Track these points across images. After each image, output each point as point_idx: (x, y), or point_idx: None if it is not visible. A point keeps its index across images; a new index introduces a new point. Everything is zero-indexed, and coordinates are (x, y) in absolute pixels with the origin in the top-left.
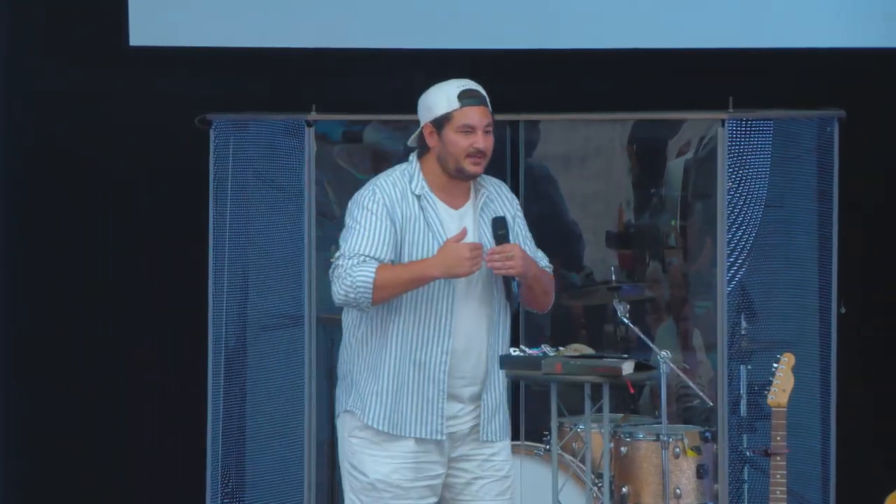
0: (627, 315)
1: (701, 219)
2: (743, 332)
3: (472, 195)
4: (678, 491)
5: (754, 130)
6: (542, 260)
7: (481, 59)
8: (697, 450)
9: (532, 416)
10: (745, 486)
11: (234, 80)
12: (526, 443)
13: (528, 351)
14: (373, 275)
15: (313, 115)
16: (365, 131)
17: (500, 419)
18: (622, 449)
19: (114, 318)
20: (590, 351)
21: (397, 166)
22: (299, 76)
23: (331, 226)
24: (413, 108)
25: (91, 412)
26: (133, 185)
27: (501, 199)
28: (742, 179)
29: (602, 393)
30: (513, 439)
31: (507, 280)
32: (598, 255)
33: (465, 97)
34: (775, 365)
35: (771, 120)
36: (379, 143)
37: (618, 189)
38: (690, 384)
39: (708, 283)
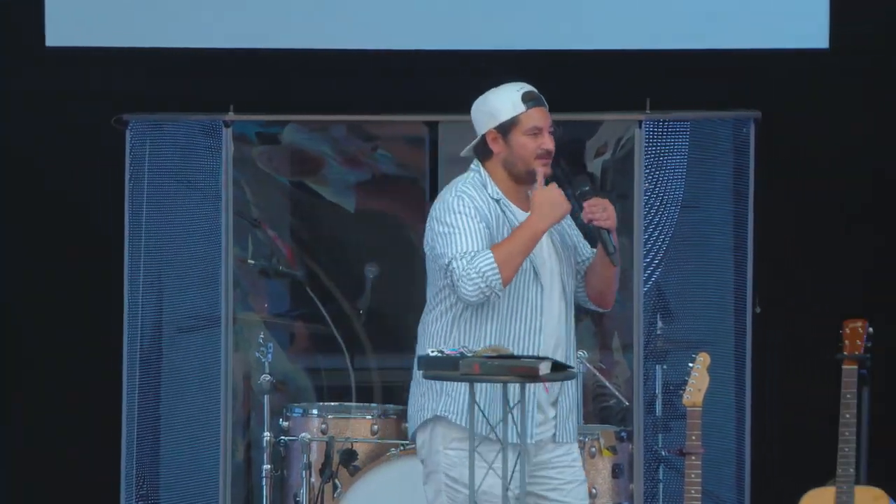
0: None
1: (618, 219)
2: (659, 332)
3: (531, 199)
4: (594, 490)
5: (671, 132)
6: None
7: (398, 60)
8: (613, 449)
9: None
10: (661, 486)
11: (151, 81)
12: None
13: (446, 351)
14: (491, 256)
15: (231, 116)
16: (284, 132)
17: (574, 421)
18: None
19: (28, 319)
20: (507, 351)
21: (461, 177)
22: (217, 76)
23: (247, 226)
24: (329, 108)
25: (3, 415)
26: (49, 185)
27: None
28: (659, 180)
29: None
30: None
31: (603, 238)
32: None
33: (529, 99)
34: (690, 364)
35: (687, 121)
36: (298, 143)
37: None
38: (606, 384)
39: (626, 283)
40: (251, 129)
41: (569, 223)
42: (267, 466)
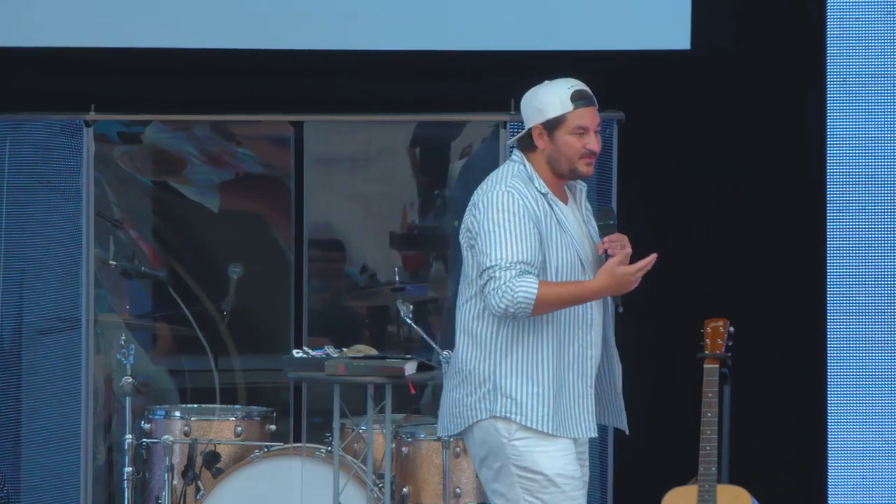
0: (411, 315)
1: None
2: None
3: (568, 193)
4: (458, 490)
5: None
6: None
7: (263, 59)
8: None
9: (315, 417)
10: None
11: (10, 79)
12: (307, 445)
13: (311, 352)
14: (535, 292)
15: (92, 115)
16: (146, 131)
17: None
18: (403, 449)
19: None
20: (373, 352)
21: (505, 167)
22: (78, 75)
23: (109, 227)
24: (191, 108)
25: None
26: None
27: (583, 192)
28: None
29: (385, 393)
30: (295, 441)
31: None
32: (382, 256)
33: (578, 98)
34: None
35: None
36: (160, 143)
37: (402, 190)
38: None
39: None
40: (113, 129)
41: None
42: (129, 469)
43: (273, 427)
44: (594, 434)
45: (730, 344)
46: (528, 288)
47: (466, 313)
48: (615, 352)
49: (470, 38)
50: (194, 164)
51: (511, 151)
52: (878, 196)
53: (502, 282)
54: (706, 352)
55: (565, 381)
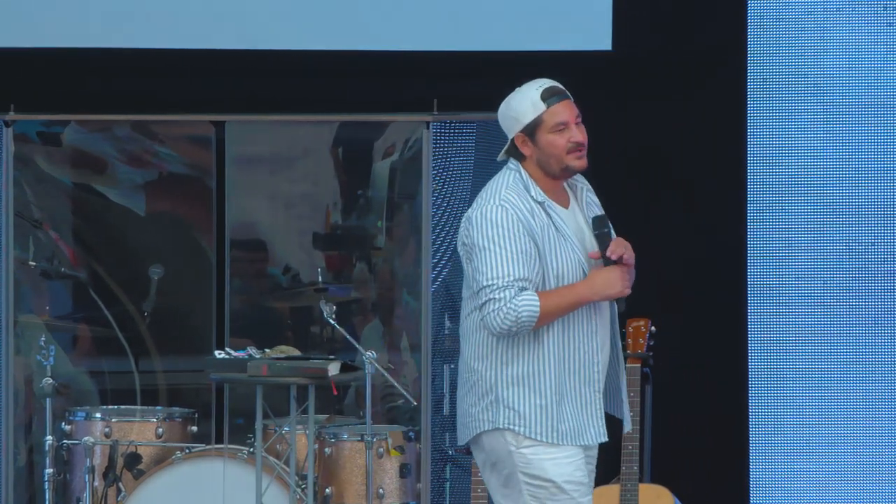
0: (334, 316)
1: (407, 220)
2: (447, 332)
3: (569, 192)
4: (381, 491)
5: (459, 132)
6: None
7: (185, 59)
8: (401, 449)
9: (237, 418)
10: (447, 485)
11: None
12: (230, 446)
13: (234, 353)
14: (538, 308)
15: (11, 115)
16: (65, 132)
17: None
18: (326, 450)
19: None
20: (296, 353)
21: (501, 177)
22: None
23: (29, 227)
24: (112, 107)
25: None
26: None
27: (590, 191)
28: (447, 181)
29: (308, 394)
30: (217, 442)
31: None
32: (305, 256)
33: (549, 96)
34: None
35: (475, 122)
36: (79, 143)
37: (324, 191)
38: (395, 384)
39: (414, 283)
40: (32, 129)
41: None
42: (49, 470)
43: (195, 428)
44: (604, 439)
45: (651, 343)
46: (530, 305)
47: (471, 323)
48: (621, 355)
49: (393, 39)
50: (115, 165)
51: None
52: (797, 196)
53: (503, 303)
54: (628, 351)
55: (570, 388)
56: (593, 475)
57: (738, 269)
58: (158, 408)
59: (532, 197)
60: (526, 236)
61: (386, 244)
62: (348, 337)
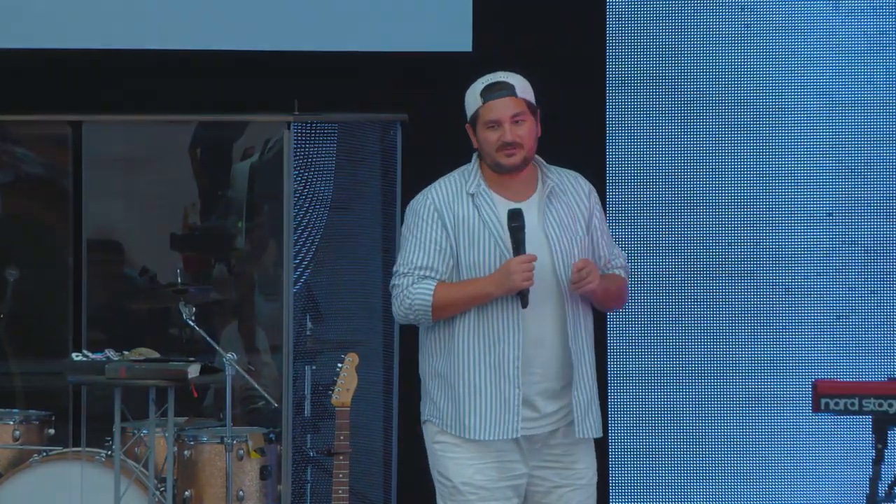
0: (193, 318)
1: (268, 220)
2: (308, 333)
3: (539, 186)
4: (241, 493)
5: (320, 133)
6: (617, 259)
7: (42, 59)
8: (262, 451)
9: (95, 421)
10: (308, 486)
11: None
12: (88, 449)
13: (91, 356)
14: (430, 297)
15: None
16: None
17: (594, 415)
18: (186, 452)
19: None
20: (155, 355)
21: (463, 167)
22: None
23: None
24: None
25: None
26: None
27: (575, 191)
28: (308, 181)
29: (167, 397)
30: (74, 445)
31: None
32: (163, 257)
33: (488, 92)
34: (340, 365)
35: (336, 123)
36: None
37: (183, 191)
38: (255, 386)
39: (274, 284)
40: None
41: (599, 223)
42: None
43: (52, 431)
44: (517, 435)
45: None
46: (423, 294)
47: None
48: (583, 351)
49: (254, 39)
50: None
51: None
52: (651, 204)
53: (401, 289)
54: None
55: (487, 383)
56: (576, 473)
57: None
58: (15, 410)
59: (466, 189)
60: (438, 226)
61: (246, 245)
62: (208, 339)
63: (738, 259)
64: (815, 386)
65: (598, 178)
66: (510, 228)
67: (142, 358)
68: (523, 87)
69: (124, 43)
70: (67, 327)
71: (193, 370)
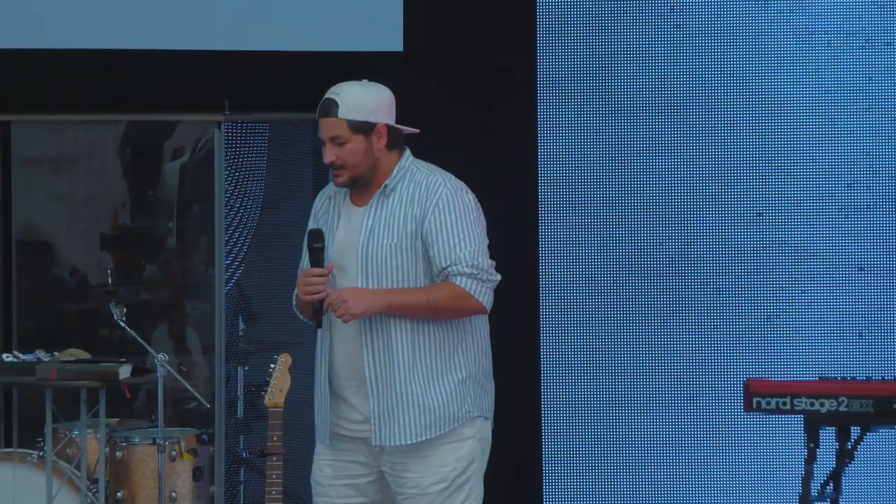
0: (124, 318)
1: (199, 221)
2: (241, 334)
3: (379, 193)
4: (174, 494)
5: (250, 132)
6: (458, 265)
7: None
8: (194, 452)
9: (26, 422)
10: (241, 487)
11: None
12: (19, 450)
13: (22, 356)
14: (293, 301)
15: None
16: None
17: (402, 424)
18: (118, 453)
19: None
20: (86, 356)
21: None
22: None
23: None
24: None
25: None
26: None
27: (410, 197)
28: (239, 181)
29: (99, 398)
30: (6, 446)
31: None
32: (93, 257)
33: (319, 108)
34: (272, 365)
35: (266, 122)
36: None
37: (112, 191)
38: (188, 386)
39: (206, 284)
40: None
41: (433, 229)
42: None
43: None
44: (325, 441)
45: None
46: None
47: None
48: (385, 362)
49: (184, 38)
50: None
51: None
52: (587, 201)
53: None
54: None
55: (317, 386)
56: (419, 483)
57: (531, 278)
58: None
59: (328, 192)
60: (312, 222)
61: (176, 245)
62: (139, 339)
63: (671, 257)
64: (746, 385)
65: (530, 180)
66: (311, 249)
67: (73, 359)
68: (352, 104)
69: (53, 42)
70: None
71: (125, 371)
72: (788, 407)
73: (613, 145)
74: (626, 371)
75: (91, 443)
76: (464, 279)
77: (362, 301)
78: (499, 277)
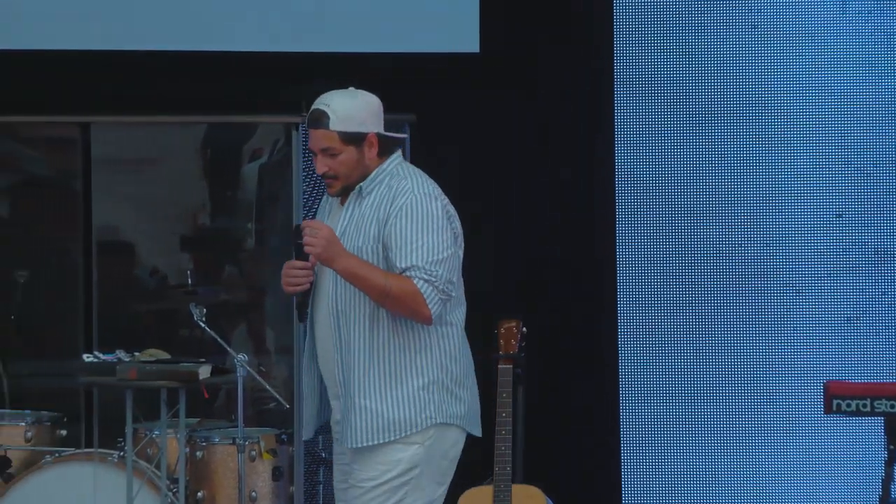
0: (204, 319)
1: (276, 221)
2: None
3: (358, 196)
4: (253, 494)
5: None
6: (415, 271)
7: (50, 59)
8: (274, 452)
9: (107, 422)
10: (321, 487)
11: None
12: (100, 450)
13: (103, 357)
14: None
15: None
16: None
17: (350, 428)
18: (197, 453)
19: None
20: (166, 356)
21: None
22: None
23: None
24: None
25: None
26: None
27: (379, 201)
28: (317, 182)
29: (179, 398)
30: (86, 446)
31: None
32: (173, 258)
33: (307, 119)
34: None
35: None
36: None
37: (192, 192)
38: (267, 387)
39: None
40: None
41: (395, 231)
42: None
43: (64, 432)
44: (308, 436)
45: (523, 344)
46: None
47: None
48: (354, 362)
49: (263, 40)
50: None
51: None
52: (664, 205)
53: None
54: (500, 352)
55: (306, 386)
56: (368, 486)
57: (609, 275)
58: (27, 411)
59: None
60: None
61: (255, 246)
62: (218, 340)
63: (745, 267)
64: (826, 387)
65: (605, 187)
66: (294, 244)
67: (152, 359)
68: (343, 115)
69: (133, 44)
70: (78, 328)
71: (204, 371)
72: (868, 409)
73: (693, 152)
74: (704, 386)
75: (171, 443)
76: (421, 282)
77: (330, 249)
78: (453, 293)
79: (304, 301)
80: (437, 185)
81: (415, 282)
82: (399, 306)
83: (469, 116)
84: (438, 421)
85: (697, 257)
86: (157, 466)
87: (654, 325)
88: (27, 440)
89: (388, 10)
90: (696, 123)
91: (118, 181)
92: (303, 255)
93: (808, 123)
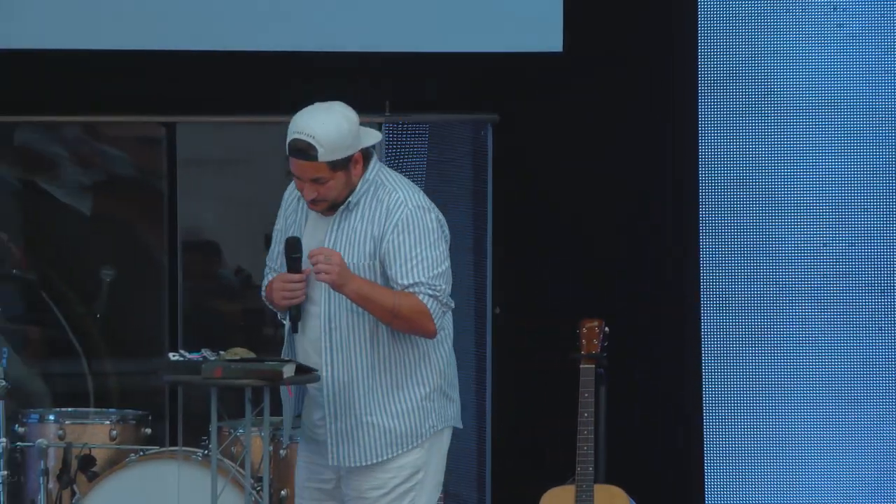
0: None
1: None
2: None
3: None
4: None
5: (411, 134)
6: (418, 287)
7: (135, 60)
8: None
9: (191, 420)
10: None
11: None
12: (184, 448)
13: (188, 355)
14: (263, 291)
15: None
16: (15, 132)
17: (357, 446)
18: (281, 452)
19: None
20: (250, 355)
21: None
22: None
23: None
24: (62, 109)
25: None
26: None
27: (371, 215)
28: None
29: (263, 396)
30: (171, 444)
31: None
32: (257, 257)
33: (290, 148)
34: None
35: (427, 123)
36: (30, 144)
37: (275, 192)
38: None
39: None
40: None
41: (392, 246)
42: (3, 472)
43: (149, 430)
44: (288, 440)
45: (605, 344)
46: (263, 286)
47: None
48: (356, 380)
49: (345, 40)
50: (65, 166)
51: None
52: (749, 201)
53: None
54: (582, 352)
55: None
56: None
57: (692, 274)
58: (112, 410)
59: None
60: (282, 223)
61: None
62: None
63: (833, 264)
64: None
65: (690, 180)
66: (289, 259)
67: (238, 358)
68: (331, 146)
69: (218, 44)
70: (163, 327)
71: (288, 370)
72: None
73: (780, 142)
74: (790, 389)
75: (255, 441)
76: (427, 297)
77: (344, 277)
78: (453, 304)
79: (298, 314)
80: (423, 193)
81: (420, 298)
82: (408, 326)
83: (552, 116)
84: (439, 427)
85: (783, 253)
86: (242, 465)
87: (737, 325)
88: (112, 438)
89: (472, 9)
90: (784, 113)
91: (203, 181)
92: (296, 268)
93: None
